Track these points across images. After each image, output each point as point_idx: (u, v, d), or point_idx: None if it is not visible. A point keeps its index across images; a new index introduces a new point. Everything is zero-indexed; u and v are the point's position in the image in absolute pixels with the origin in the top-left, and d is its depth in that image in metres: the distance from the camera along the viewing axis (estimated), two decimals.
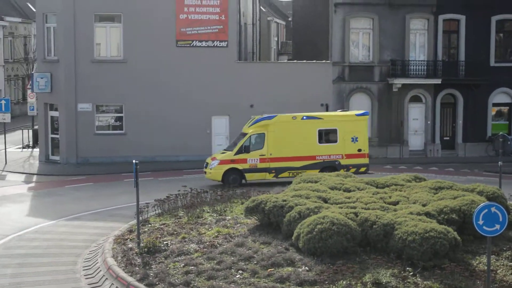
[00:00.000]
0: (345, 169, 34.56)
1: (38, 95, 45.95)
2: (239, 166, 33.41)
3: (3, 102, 45.48)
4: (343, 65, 44.82)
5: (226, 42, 43.40)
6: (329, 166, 34.87)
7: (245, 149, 33.36)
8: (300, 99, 43.45)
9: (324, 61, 45.51)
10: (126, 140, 42.75)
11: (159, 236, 24.72)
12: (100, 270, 23.03)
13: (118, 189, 36.32)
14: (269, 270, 19.97)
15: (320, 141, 35.13)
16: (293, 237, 21.61)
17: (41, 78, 44.40)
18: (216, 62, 43.37)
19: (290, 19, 68.59)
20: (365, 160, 36.62)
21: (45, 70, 44.78)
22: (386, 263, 19.56)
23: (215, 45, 43.46)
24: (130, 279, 20.82)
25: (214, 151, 43.68)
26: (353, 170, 34.73)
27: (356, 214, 21.80)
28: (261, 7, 59.05)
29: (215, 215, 27.29)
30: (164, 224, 26.76)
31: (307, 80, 44.51)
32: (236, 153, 33.27)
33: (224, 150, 35.79)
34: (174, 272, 20.86)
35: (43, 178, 41.23)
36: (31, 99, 50.95)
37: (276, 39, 67.27)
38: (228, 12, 43.37)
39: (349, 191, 26.05)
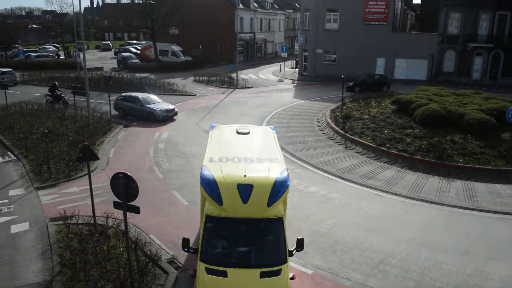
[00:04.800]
0: None
1: (300, 45, 52.47)
2: None
3: (284, 48, 54.32)
4: (444, 35, 46.65)
5: (386, 23, 47.95)
6: None
7: None
8: (420, 50, 46.89)
9: (435, 33, 47.47)
10: (337, 67, 47.70)
11: (350, 110, 27.95)
12: (323, 123, 27.42)
13: (331, 88, 40.28)
14: (400, 129, 23.26)
15: None
16: (413, 116, 24.28)
17: (301, 37, 51.59)
18: (381, 32, 47.74)
19: (418, 11, 65.23)
20: None
21: (302, 34, 51.23)
22: (459, 132, 21.89)
23: (381, 23, 48.02)
24: (336, 128, 25.25)
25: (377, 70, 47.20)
26: None
27: (445, 107, 23.91)
28: (404, 6, 58.30)
29: (376, 103, 30.15)
30: (353, 105, 29.77)
31: (425, 42, 47.34)
32: None
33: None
34: (357, 127, 24.68)
35: (299, 82, 47.12)
36: (296, 47, 57.67)
37: (409, 22, 64.53)
38: (389, 7, 47.66)
39: (442, 96, 27.33)
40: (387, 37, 48.30)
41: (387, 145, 21.74)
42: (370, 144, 22.22)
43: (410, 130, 23.04)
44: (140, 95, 29.83)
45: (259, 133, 13.21)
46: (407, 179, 18.49)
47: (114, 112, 28.79)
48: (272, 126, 14.61)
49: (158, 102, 29.29)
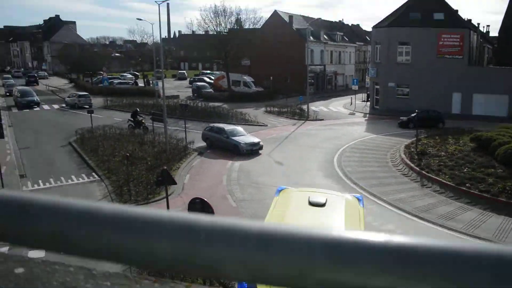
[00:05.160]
0: None
1: (371, 77, 52.10)
2: None
3: (355, 80, 54.27)
4: None
5: (462, 56, 46.49)
6: None
7: None
8: (500, 86, 44.02)
9: None
10: (410, 101, 45.15)
11: (426, 146, 27.28)
12: (397, 159, 26.62)
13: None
14: (481, 168, 21.80)
15: None
16: (495, 154, 23.28)
17: (372, 70, 50.96)
18: (456, 66, 45.99)
19: (495, 45, 64.01)
20: None
21: (373, 67, 51.05)
22: None
23: (456, 57, 46.43)
24: (411, 164, 24.41)
25: (453, 109, 46.12)
26: None
27: None
28: (480, 39, 57.50)
29: (453, 140, 29.16)
30: (428, 141, 28.99)
31: (504, 77, 44.67)
32: None
33: None
34: (433, 164, 23.68)
35: (371, 115, 46.52)
36: (367, 79, 57.97)
37: (486, 55, 63.47)
38: (463, 41, 46.52)
39: None
40: (463, 71, 46.51)
41: (467, 184, 20.63)
42: (448, 182, 21.19)
43: (492, 170, 21.82)
44: (226, 126, 29.30)
45: (339, 207, 10.33)
46: (491, 222, 17.33)
47: (190, 138, 29.26)
48: (360, 196, 12.01)
49: (244, 135, 28.18)
